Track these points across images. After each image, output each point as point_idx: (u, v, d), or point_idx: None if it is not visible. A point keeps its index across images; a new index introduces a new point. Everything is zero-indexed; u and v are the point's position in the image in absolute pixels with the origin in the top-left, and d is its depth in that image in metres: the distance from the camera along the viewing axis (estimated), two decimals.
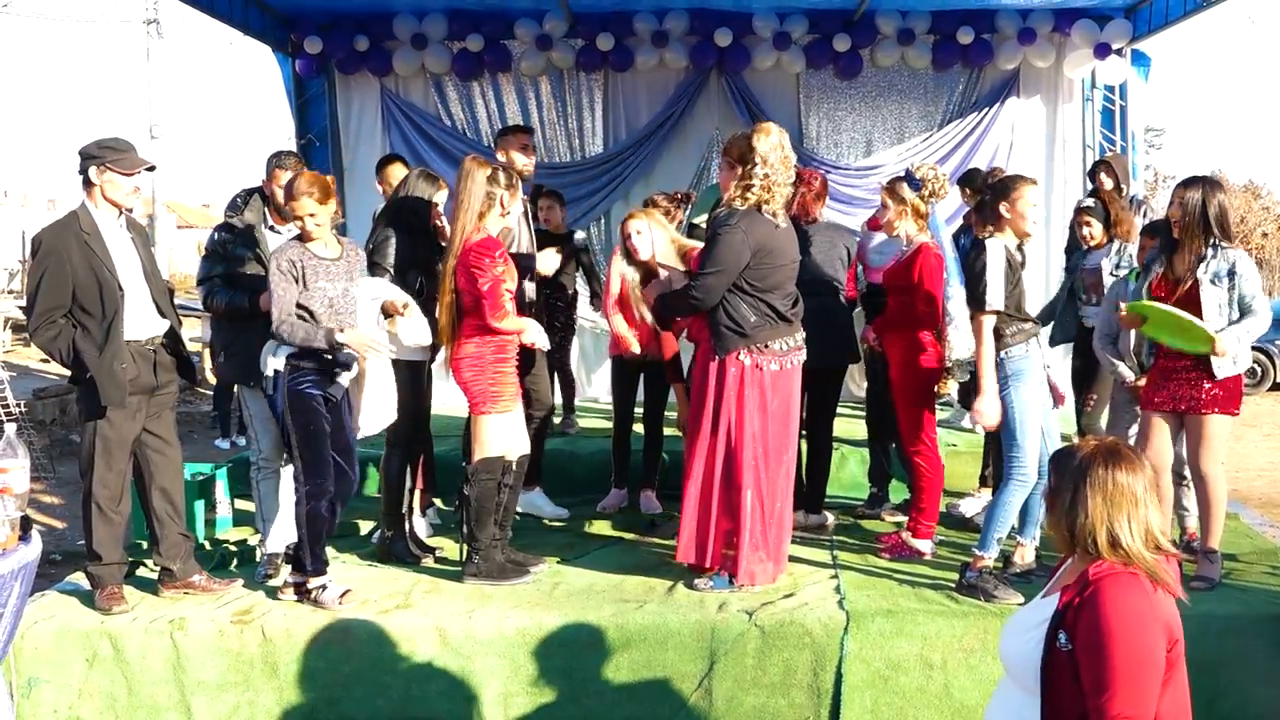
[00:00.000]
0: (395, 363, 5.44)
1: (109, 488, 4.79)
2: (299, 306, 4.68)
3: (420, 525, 5.89)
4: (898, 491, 6.44)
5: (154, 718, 4.61)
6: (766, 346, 4.89)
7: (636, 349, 6.12)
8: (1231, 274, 4.83)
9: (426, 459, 5.99)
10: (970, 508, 6.25)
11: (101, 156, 4.69)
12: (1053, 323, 6.63)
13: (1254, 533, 6.04)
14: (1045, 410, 4.98)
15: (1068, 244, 7.19)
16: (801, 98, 9.58)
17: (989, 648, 4.47)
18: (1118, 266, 6.18)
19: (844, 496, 6.67)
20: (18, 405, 11.00)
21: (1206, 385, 4.88)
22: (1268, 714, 4.48)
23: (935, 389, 5.52)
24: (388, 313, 5.13)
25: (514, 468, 5.22)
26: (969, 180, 7.24)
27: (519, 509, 6.23)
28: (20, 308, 16.78)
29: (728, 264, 4.82)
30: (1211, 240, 4.84)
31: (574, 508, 6.48)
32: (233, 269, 5.31)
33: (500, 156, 6.22)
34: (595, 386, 9.59)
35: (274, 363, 4.73)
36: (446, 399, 6.31)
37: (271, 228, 5.43)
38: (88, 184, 4.73)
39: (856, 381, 8.50)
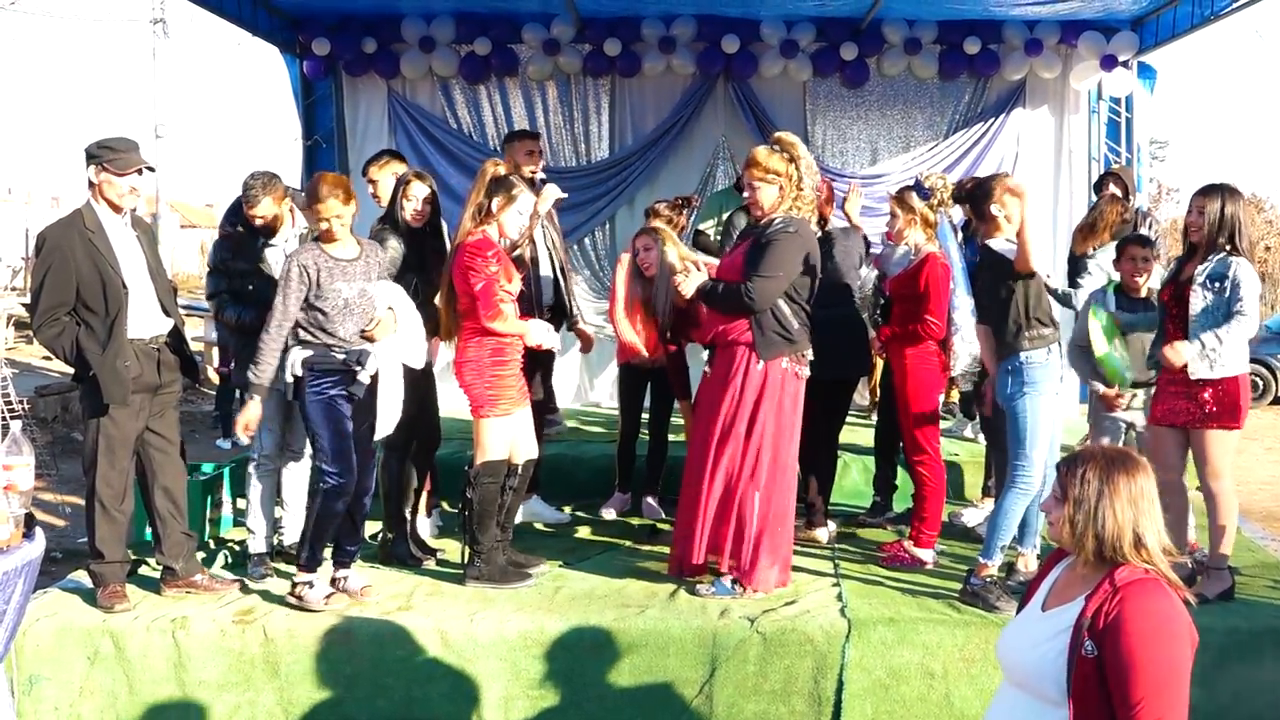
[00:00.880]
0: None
1: (112, 486, 4.79)
2: (313, 308, 4.68)
3: (424, 526, 5.89)
4: (900, 500, 6.44)
5: (155, 716, 4.61)
6: (804, 355, 4.96)
7: (646, 353, 6.14)
8: (1224, 279, 4.79)
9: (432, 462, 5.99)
10: (972, 518, 6.25)
11: (100, 156, 4.70)
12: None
13: (1256, 546, 6.04)
14: (1058, 420, 4.96)
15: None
16: (808, 105, 9.59)
17: (990, 657, 4.47)
18: (1085, 272, 6.18)
19: (846, 505, 6.67)
20: (20, 402, 11.00)
21: (1204, 399, 4.84)
22: None
23: (940, 398, 5.53)
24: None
25: (520, 471, 5.22)
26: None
27: (520, 518, 6.24)
28: (24, 305, 16.79)
29: (787, 269, 4.84)
30: (1229, 246, 4.84)
31: (575, 512, 6.48)
32: (235, 284, 5.35)
33: (506, 161, 6.24)
34: (597, 391, 9.59)
35: (293, 367, 4.74)
36: (449, 401, 6.29)
37: (265, 244, 5.41)
38: (90, 182, 4.75)
39: (859, 390, 8.50)
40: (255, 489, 5.43)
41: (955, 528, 6.15)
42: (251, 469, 5.46)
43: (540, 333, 5.19)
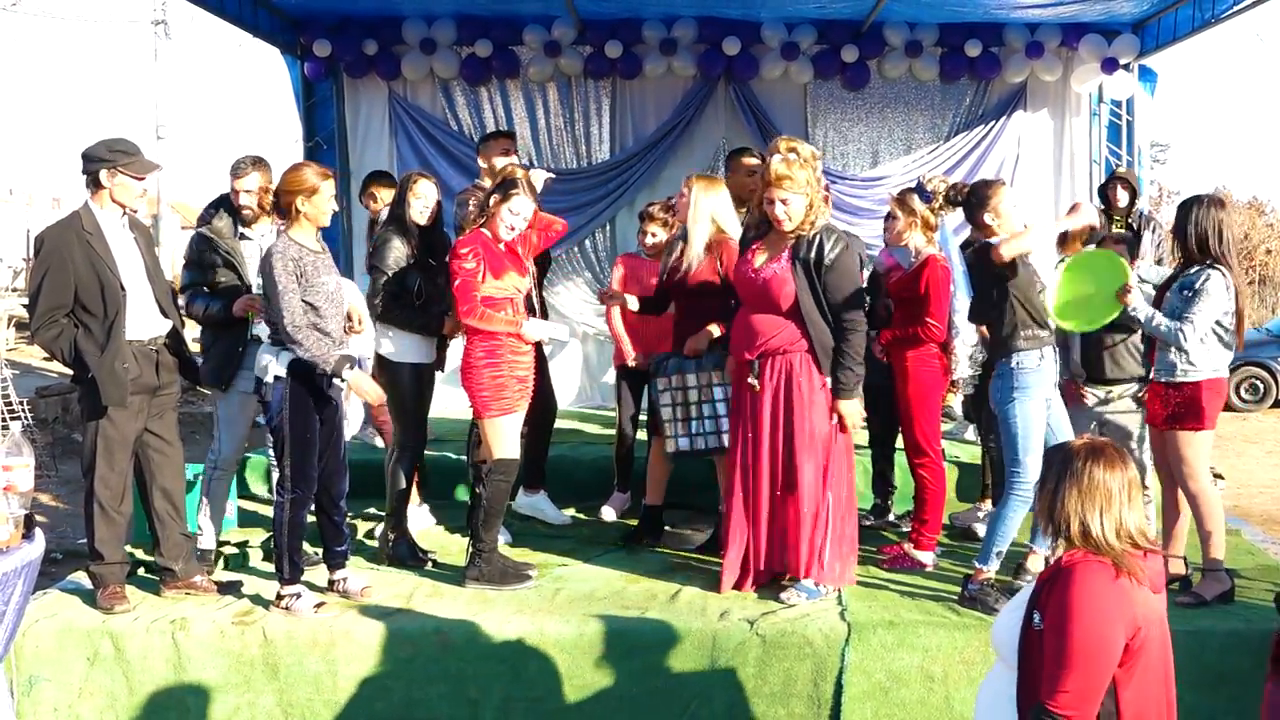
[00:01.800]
0: (401, 365, 5.45)
1: (111, 487, 4.79)
2: (305, 304, 4.66)
3: (417, 516, 5.94)
4: (900, 502, 6.44)
5: (154, 717, 4.61)
6: None
7: (631, 360, 6.15)
8: (1192, 288, 4.83)
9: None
10: (972, 520, 6.24)
11: (113, 160, 4.70)
12: None
13: (1256, 549, 6.03)
14: (1055, 422, 4.97)
15: None
16: (809, 108, 9.59)
17: (990, 661, 4.45)
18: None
19: None
20: (20, 403, 11.00)
21: (1170, 401, 4.93)
22: None
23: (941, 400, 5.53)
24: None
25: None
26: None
27: (524, 512, 6.25)
28: (24, 306, 16.79)
29: (860, 285, 4.97)
30: (1205, 258, 4.88)
31: (576, 514, 6.48)
32: (209, 278, 5.33)
33: (481, 163, 6.29)
34: (598, 393, 9.60)
35: (275, 368, 4.68)
36: (443, 402, 6.31)
37: (241, 235, 5.41)
38: (95, 185, 4.74)
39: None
40: (212, 493, 5.42)
41: (955, 530, 6.14)
42: (207, 473, 5.43)
43: (538, 329, 5.19)
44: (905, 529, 5.90)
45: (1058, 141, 9.58)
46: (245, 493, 6.26)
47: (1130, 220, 7.69)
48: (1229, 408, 12.53)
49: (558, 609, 4.82)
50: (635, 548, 5.78)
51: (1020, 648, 2.78)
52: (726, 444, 5.29)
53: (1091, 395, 5.65)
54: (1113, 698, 2.70)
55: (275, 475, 5.60)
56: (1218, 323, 4.88)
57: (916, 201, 5.49)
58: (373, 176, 7.42)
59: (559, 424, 6.63)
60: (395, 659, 4.59)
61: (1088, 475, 2.76)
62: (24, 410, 10.87)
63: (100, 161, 4.70)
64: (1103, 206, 7.44)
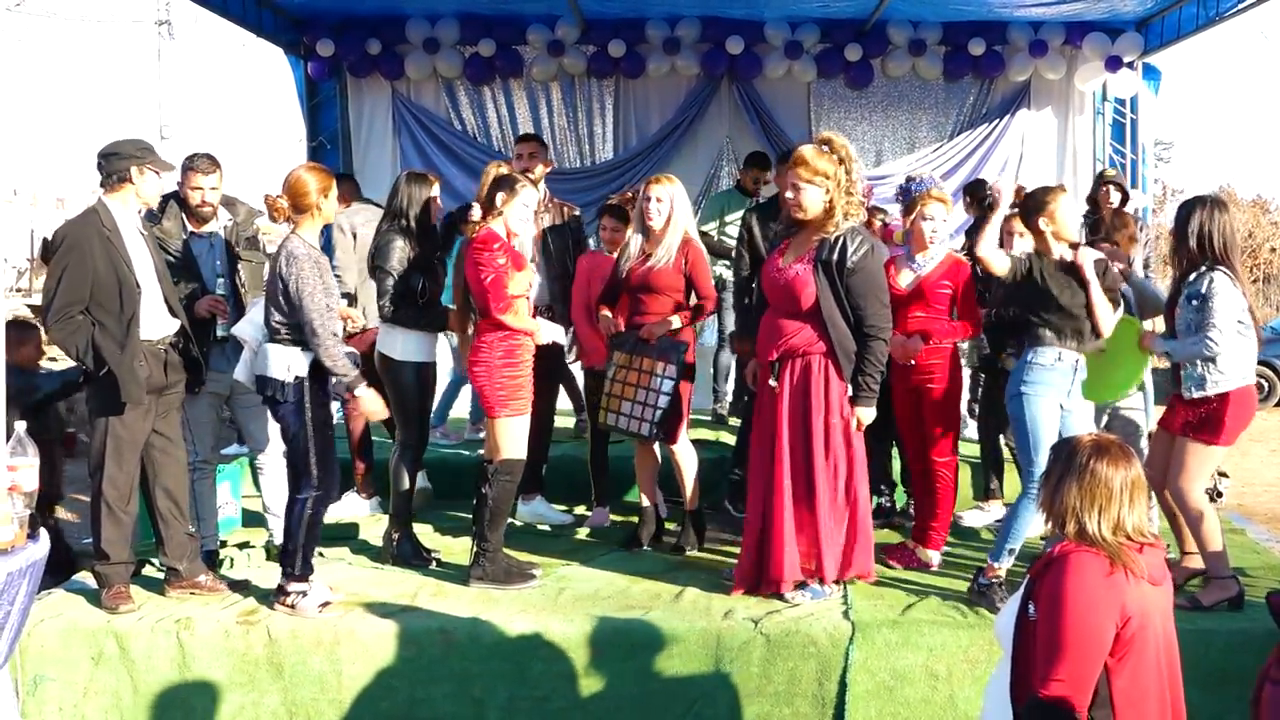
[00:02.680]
0: (404, 364, 5.45)
1: (119, 487, 4.79)
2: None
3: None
4: (898, 498, 6.44)
5: (159, 717, 4.61)
6: None
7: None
8: (1200, 295, 4.73)
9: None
10: (974, 520, 6.24)
11: (141, 157, 4.74)
12: None
13: (1260, 548, 6.03)
14: (1076, 421, 4.96)
15: None
16: (812, 107, 9.62)
17: (995, 660, 4.45)
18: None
19: None
20: None
21: (1197, 409, 4.80)
22: None
23: None
24: None
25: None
26: (975, 190, 7.24)
27: (526, 520, 6.24)
28: (29, 306, 16.81)
29: (886, 291, 4.85)
30: (1204, 260, 4.77)
31: (579, 514, 6.47)
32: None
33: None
34: None
35: (297, 368, 4.68)
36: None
37: (192, 233, 5.39)
38: (119, 182, 4.74)
39: None
40: (196, 492, 5.39)
41: (957, 529, 6.13)
42: (189, 474, 5.36)
43: (550, 331, 5.21)
44: (909, 525, 5.89)
45: (1061, 140, 9.60)
46: (248, 493, 6.26)
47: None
48: None
49: (562, 608, 4.82)
50: (638, 551, 5.77)
51: (1015, 638, 2.82)
52: (647, 433, 5.39)
53: None
54: (1106, 686, 2.73)
55: (261, 474, 5.69)
56: (1239, 320, 4.75)
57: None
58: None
59: (558, 424, 6.64)
60: (400, 658, 4.59)
61: (1090, 472, 2.78)
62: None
63: (131, 158, 4.73)
64: (1088, 209, 7.36)
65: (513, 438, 5.08)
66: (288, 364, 4.70)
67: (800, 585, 4.89)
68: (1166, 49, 9.07)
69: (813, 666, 4.55)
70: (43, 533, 3.79)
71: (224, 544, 5.94)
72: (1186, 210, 4.85)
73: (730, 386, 7.98)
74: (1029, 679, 2.74)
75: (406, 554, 5.49)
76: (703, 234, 7.37)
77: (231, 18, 8.38)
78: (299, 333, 4.68)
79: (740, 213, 7.74)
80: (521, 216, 5.11)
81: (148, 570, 5.27)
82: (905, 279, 5.46)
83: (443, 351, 6.43)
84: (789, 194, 4.81)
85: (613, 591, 5.07)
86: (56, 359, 6.33)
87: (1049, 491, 2.86)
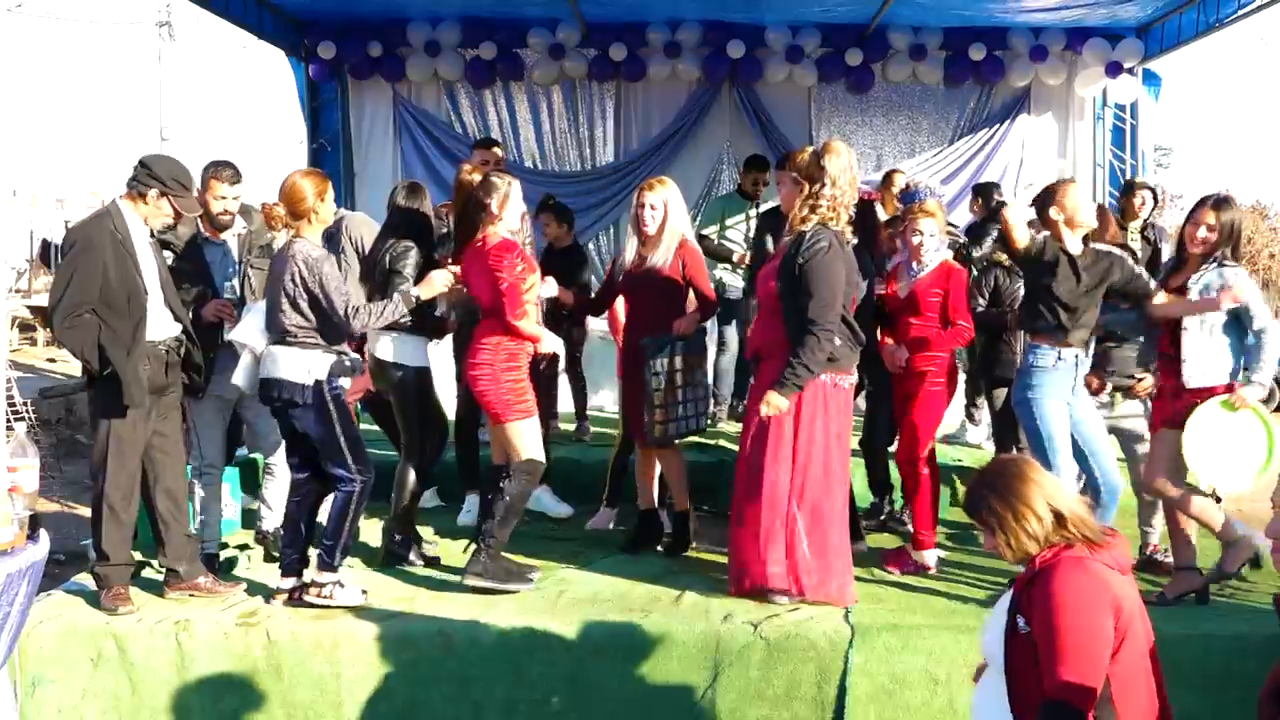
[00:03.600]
0: (406, 369, 5.44)
1: (120, 489, 4.79)
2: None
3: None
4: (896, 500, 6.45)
5: (157, 719, 4.61)
6: (845, 370, 4.90)
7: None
8: (1221, 289, 4.75)
9: None
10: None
11: (170, 189, 4.73)
12: None
13: (1261, 553, 6.01)
14: (1089, 426, 4.96)
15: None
16: (813, 111, 9.64)
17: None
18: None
19: None
20: (24, 404, 11.01)
21: (1180, 402, 4.84)
22: None
23: None
24: None
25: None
26: (984, 191, 7.25)
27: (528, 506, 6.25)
28: (29, 307, 16.79)
29: (837, 290, 4.73)
30: (1217, 257, 4.81)
31: (579, 515, 6.47)
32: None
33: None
34: (601, 395, 9.59)
35: (317, 370, 4.71)
36: None
37: (206, 239, 5.41)
38: (139, 194, 4.74)
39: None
40: (199, 496, 5.40)
41: (957, 531, 6.13)
42: (193, 478, 5.40)
43: (551, 342, 5.21)
44: (908, 527, 5.89)
45: (1061, 145, 9.61)
46: (249, 493, 6.26)
47: (1145, 232, 7.55)
48: None
49: (561, 611, 4.82)
50: (638, 553, 5.76)
51: (1006, 654, 2.83)
52: (694, 427, 5.53)
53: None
54: (1105, 684, 2.75)
55: (270, 477, 5.71)
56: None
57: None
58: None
59: (560, 425, 6.65)
60: (398, 661, 4.59)
61: (1010, 485, 2.88)
62: (28, 411, 10.87)
63: (158, 182, 4.72)
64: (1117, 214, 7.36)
65: (529, 439, 5.05)
66: (307, 367, 4.70)
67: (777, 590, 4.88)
68: (1166, 55, 9.10)
69: (812, 670, 4.55)
70: (43, 533, 3.80)
71: (224, 545, 5.95)
72: (1220, 209, 4.80)
73: (728, 391, 7.98)
74: (1027, 694, 2.76)
75: (406, 556, 5.49)
76: (703, 238, 7.41)
77: (232, 19, 8.39)
78: (320, 335, 4.71)
79: (740, 216, 7.78)
80: (519, 211, 5.15)
81: (147, 572, 5.27)
82: (904, 287, 5.52)
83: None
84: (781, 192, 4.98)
85: (612, 594, 5.06)
86: (56, 359, 6.33)
87: (1003, 538, 2.88)
